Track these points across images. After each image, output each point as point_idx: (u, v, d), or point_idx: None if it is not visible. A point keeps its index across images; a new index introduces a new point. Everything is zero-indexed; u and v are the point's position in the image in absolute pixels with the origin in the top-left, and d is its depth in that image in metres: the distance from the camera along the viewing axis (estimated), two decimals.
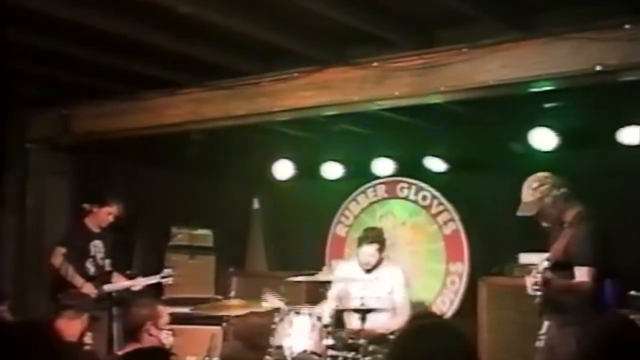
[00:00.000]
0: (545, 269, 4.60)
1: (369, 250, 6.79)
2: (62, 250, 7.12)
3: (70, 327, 5.20)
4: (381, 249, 6.84)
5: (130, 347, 4.59)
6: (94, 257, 7.26)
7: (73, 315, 5.30)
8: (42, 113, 7.91)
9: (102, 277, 7.23)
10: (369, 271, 6.82)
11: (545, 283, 4.61)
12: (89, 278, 7.12)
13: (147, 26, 5.75)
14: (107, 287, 7.19)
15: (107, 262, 7.36)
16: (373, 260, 6.80)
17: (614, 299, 4.85)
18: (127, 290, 7.37)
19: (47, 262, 7.13)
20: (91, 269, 7.22)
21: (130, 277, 7.43)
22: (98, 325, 7.05)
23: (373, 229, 7.11)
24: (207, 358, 6.52)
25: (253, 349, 5.88)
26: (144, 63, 6.53)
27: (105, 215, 7.32)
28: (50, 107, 7.81)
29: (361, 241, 6.87)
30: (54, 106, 7.78)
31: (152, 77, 6.83)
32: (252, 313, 6.50)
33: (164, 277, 7.46)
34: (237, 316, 6.70)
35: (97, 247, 7.31)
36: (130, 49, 6.12)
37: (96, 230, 7.35)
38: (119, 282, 7.33)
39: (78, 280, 7.02)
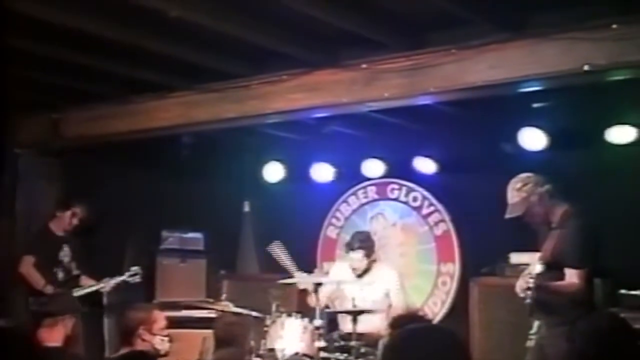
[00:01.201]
0: (538, 274, 4.62)
1: (356, 256, 6.79)
2: (31, 259, 7.07)
3: (52, 333, 5.07)
4: (369, 254, 6.83)
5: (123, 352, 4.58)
6: (61, 261, 7.23)
7: (52, 320, 5.16)
8: (31, 118, 7.87)
9: (71, 282, 7.20)
10: (359, 276, 6.82)
11: (538, 288, 4.63)
12: (58, 283, 7.07)
13: (137, 30, 5.74)
14: (75, 292, 7.11)
15: (74, 265, 7.33)
16: (361, 266, 6.80)
17: (603, 298, 4.88)
18: (98, 292, 7.31)
19: (16, 271, 7.06)
20: (60, 274, 7.19)
21: (98, 280, 7.34)
22: (86, 330, 7.03)
23: (360, 233, 7.09)
24: None
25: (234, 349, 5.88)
26: (133, 67, 6.52)
27: (68, 218, 7.31)
28: (40, 112, 7.78)
29: (348, 247, 6.88)
30: (44, 110, 7.75)
31: (142, 80, 6.81)
32: (229, 313, 6.50)
33: (131, 276, 7.38)
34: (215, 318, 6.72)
35: (64, 251, 7.28)
36: (120, 52, 6.11)
37: (61, 234, 7.33)
38: (87, 285, 7.27)
39: (48, 288, 6.96)
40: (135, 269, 7.42)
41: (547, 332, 4.86)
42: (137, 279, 7.41)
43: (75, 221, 7.33)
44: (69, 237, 7.36)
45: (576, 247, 4.78)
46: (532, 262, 4.89)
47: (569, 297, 4.75)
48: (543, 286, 4.68)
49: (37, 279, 6.97)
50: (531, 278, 4.61)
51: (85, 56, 6.25)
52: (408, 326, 2.44)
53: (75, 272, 7.31)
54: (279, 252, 6.56)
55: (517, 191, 5.00)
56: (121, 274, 7.51)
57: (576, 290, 4.75)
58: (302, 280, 6.57)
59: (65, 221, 7.31)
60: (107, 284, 7.32)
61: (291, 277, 6.58)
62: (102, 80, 6.91)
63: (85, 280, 7.35)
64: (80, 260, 7.41)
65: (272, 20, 5.63)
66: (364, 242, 6.83)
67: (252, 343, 6.24)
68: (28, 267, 7.02)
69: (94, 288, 7.27)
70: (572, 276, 4.76)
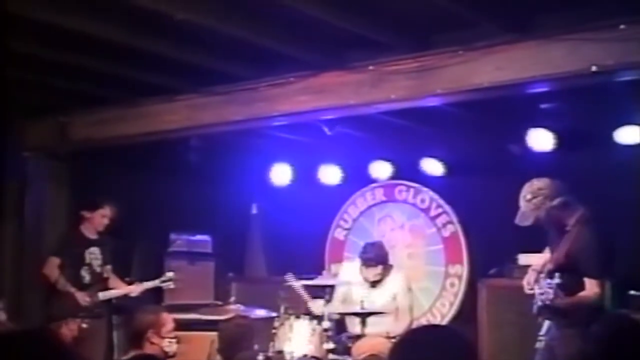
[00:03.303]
0: (558, 284, 4.63)
1: (374, 271, 6.72)
2: (56, 261, 6.97)
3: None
4: (386, 268, 6.77)
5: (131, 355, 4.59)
6: (89, 264, 7.07)
7: (60, 324, 5.09)
8: (39, 121, 7.90)
9: (98, 285, 7.08)
10: (373, 285, 6.77)
11: (556, 297, 4.66)
12: (83, 286, 6.96)
13: (143, 33, 5.75)
14: (102, 295, 7.02)
15: (109, 267, 7.20)
16: (377, 279, 6.75)
17: (613, 299, 4.90)
18: (125, 296, 7.27)
19: (40, 272, 7.03)
20: (86, 277, 7.03)
21: (129, 284, 7.28)
22: (97, 333, 7.01)
23: (373, 245, 6.91)
24: None
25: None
26: (140, 70, 6.53)
27: (99, 218, 7.13)
28: (47, 115, 7.80)
29: (364, 261, 6.76)
30: (51, 114, 7.77)
31: (149, 83, 6.82)
32: (237, 316, 6.49)
33: (164, 282, 7.29)
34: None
35: (93, 254, 7.11)
36: (127, 56, 6.12)
37: (93, 236, 7.17)
38: (117, 289, 7.18)
39: (70, 290, 6.86)
40: (170, 274, 7.33)
41: (557, 334, 4.84)
42: (170, 285, 7.32)
43: (105, 221, 7.15)
44: (102, 239, 7.21)
45: (596, 257, 4.80)
46: (537, 262, 4.91)
47: (588, 305, 4.75)
48: (561, 300, 4.69)
49: (59, 281, 6.92)
50: (550, 288, 4.61)
51: (92, 60, 6.27)
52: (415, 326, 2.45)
53: (106, 275, 7.16)
54: (293, 282, 6.56)
55: (527, 202, 4.98)
56: (129, 276, 7.50)
57: (598, 298, 4.80)
58: (309, 283, 6.57)
59: (95, 222, 7.13)
60: (138, 289, 7.21)
61: (301, 279, 6.59)
62: (109, 84, 6.92)
63: (116, 283, 7.22)
64: (113, 263, 7.28)
65: (279, 23, 5.63)
66: (380, 257, 6.74)
67: (256, 347, 6.20)
68: (52, 268, 6.96)
69: (122, 292, 7.18)
70: (593, 286, 4.78)
